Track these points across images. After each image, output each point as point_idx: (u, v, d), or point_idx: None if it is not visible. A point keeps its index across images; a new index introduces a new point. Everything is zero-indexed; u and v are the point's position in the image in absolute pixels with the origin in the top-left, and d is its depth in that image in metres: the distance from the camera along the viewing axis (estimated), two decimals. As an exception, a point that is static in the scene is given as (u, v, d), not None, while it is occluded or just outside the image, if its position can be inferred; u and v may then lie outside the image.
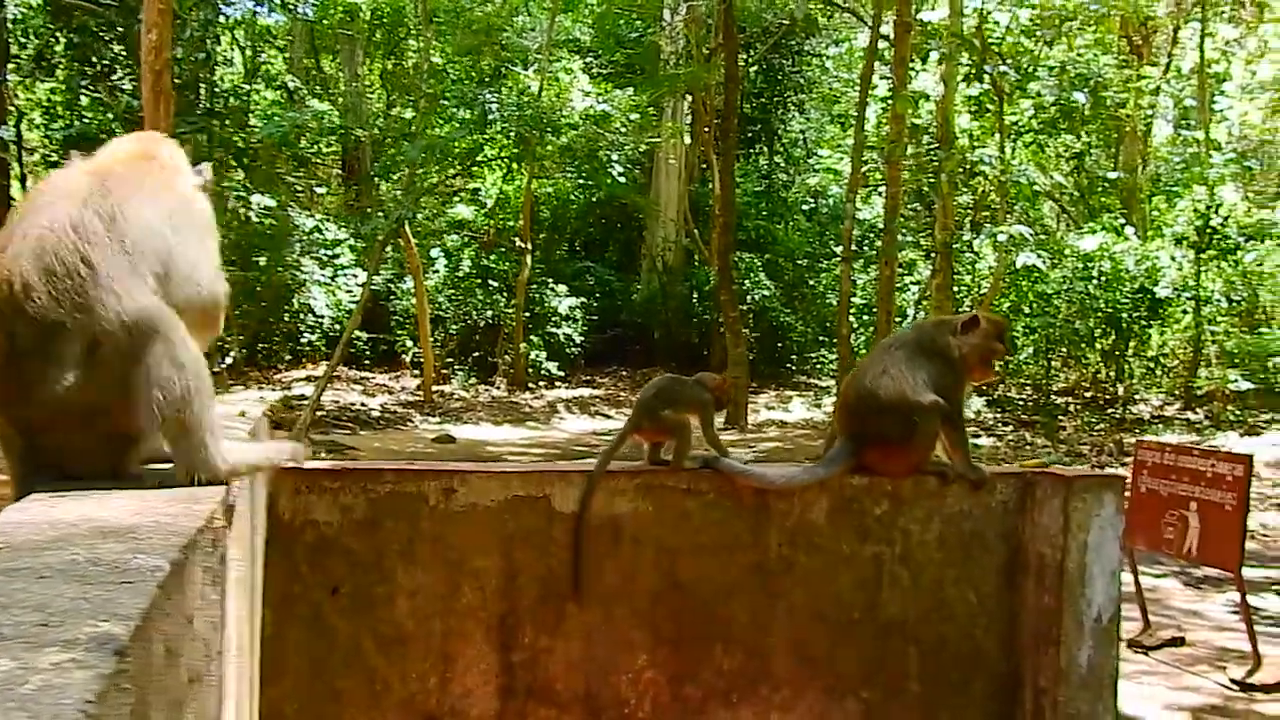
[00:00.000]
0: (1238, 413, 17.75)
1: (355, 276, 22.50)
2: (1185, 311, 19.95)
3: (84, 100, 18.47)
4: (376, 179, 21.77)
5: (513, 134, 19.27)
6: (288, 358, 22.90)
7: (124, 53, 16.66)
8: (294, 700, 3.42)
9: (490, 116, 18.15)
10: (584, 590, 3.62)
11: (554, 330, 23.85)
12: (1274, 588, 8.99)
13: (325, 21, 24.29)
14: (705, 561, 3.75)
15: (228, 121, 19.07)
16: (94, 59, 17.43)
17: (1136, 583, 7.51)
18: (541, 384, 23.11)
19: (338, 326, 21.11)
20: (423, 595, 3.53)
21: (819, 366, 25.78)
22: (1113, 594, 3.95)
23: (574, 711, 3.64)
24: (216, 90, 19.33)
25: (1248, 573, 8.68)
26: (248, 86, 21.78)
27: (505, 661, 3.60)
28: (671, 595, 3.73)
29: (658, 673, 3.71)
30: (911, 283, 22.45)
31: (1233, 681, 6.51)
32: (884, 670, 3.89)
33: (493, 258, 24.51)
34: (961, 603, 3.97)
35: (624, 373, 24.70)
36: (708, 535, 3.76)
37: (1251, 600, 7.72)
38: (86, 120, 18.52)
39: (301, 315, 23.02)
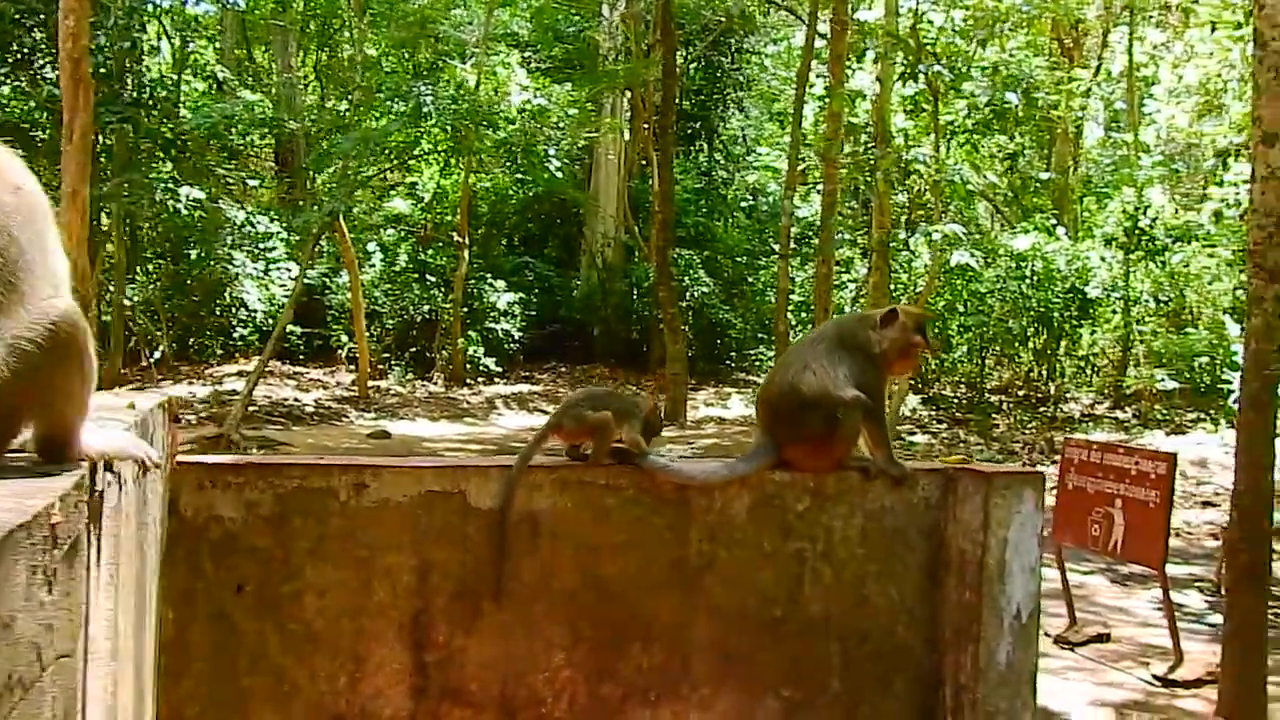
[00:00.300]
0: (1164, 412, 18.09)
1: (289, 270, 22.19)
2: (1115, 311, 20.31)
3: (5, 89, 17.98)
4: (310, 172, 21.46)
5: (449, 128, 19.07)
6: (220, 352, 22.55)
7: (45, 40, 16.21)
8: (196, 702, 3.31)
9: (425, 110, 17.93)
10: (500, 589, 3.54)
11: (492, 326, 23.70)
12: (1197, 585, 9.14)
13: (256, 12, 23.92)
14: (625, 558, 3.69)
15: (155, 112, 18.66)
16: (14, 46, 16.95)
17: (1063, 579, 7.58)
18: (480, 380, 22.94)
19: (271, 321, 20.79)
20: (332, 593, 3.43)
21: (758, 363, 25.86)
22: (1032, 590, 3.95)
23: (489, 712, 3.56)
24: (144, 80, 18.90)
25: (1172, 570, 8.81)
26: (176, 77, 21.37)
27: (418, 661, 3.51)
28: (590, 593, 3.66)
29: (575, 671, 3.64)
30: (849, 281, 22.62)
31: (1155, 677, 6.59)
32: (806, 668, 3.85)
33: (430, 252, 24.30)
34: (884, 599, 3.94)
35: (563, 369, 24.62)
36: (627, 532, 3.69)
37: (1175, 597, 7.83)
38: (7, 109, 18.05)
39: (234, 309, 22.68)
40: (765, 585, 3.83)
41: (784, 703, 3.83)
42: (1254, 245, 6.00)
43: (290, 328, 21.54)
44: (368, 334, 21.56)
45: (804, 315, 22.20)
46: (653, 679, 3.71)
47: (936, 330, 21.24)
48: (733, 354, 26.48)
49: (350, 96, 20.31)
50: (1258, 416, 5.90)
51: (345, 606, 3.45)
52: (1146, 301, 20.07)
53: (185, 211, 20.05)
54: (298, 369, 22.47)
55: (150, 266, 22.33)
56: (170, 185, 19.28)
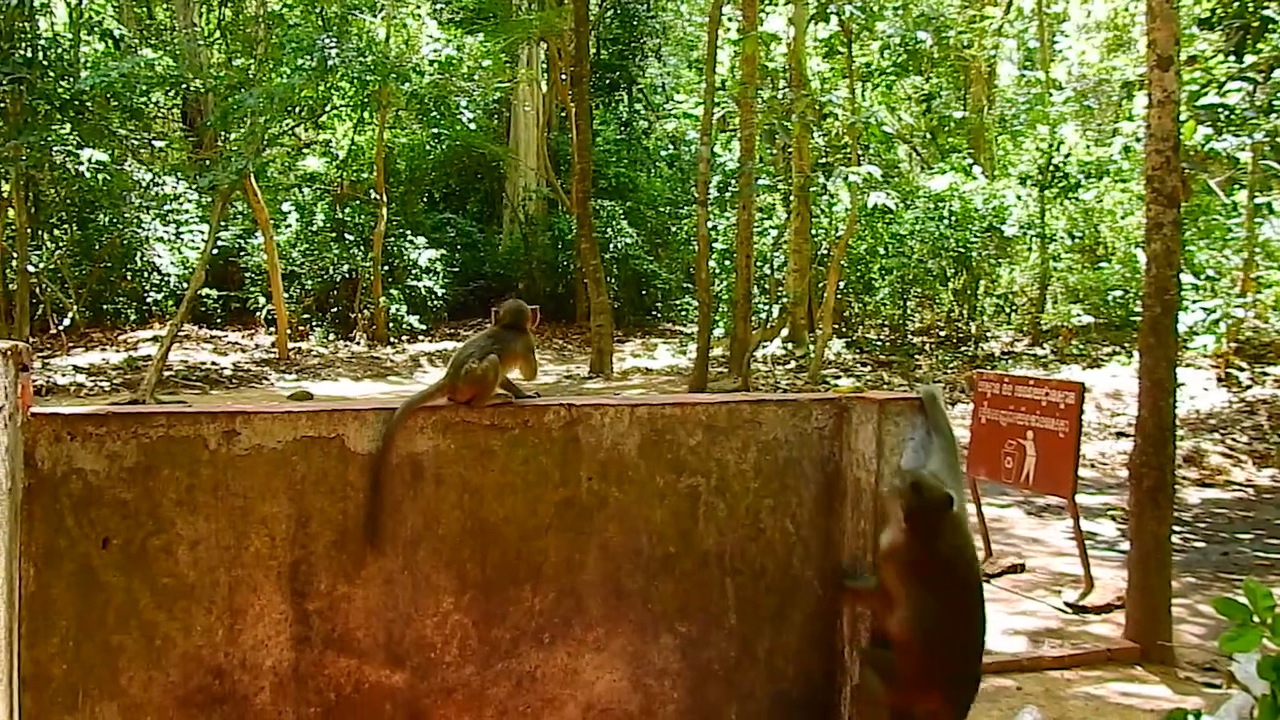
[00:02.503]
0: (1081, 347, 18.39)
1: (201, 232, 21.66)
2: (1031, 249, 20.56)
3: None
4: (218, 131, 20.90)
5: (358, 81, 18.66)
6: (133, 318, 22.02)
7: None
8: (62, 660, 3.19)
9: (331, 63, 17.49)
10: (381, 535, 3.46)
11: (414, 284, 23.41)
12: (1109, 513, 9.31)
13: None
14: (512, 500, 3.62)
15: (51, 72, 17.98)
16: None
17: (979, 513, 7.67)
18: (403, 338, 22.70)
19: (185, 284, 20.30)
20: (205, 545, 3.32)
21: (684, 313, 25.88)
22: (928, 516, 3.94)
23: (375, 659, 3.48)
24: (38, 39, 18.20)
25: (1085, 500, 8.98)
26: (73, 35, 20.63)
27: (300, 610, 3.42)
28: (477, 536, 3.59)
29: (464, 616, 3.57)
30: (770, 227, 22.61)
31: (1066, 604, 6.70)
32: (701, 603, 3.83)
33: (347, 211, 23.87)
34: (779, 532, 3.92)
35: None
36: (514, 473, 3.62)
37: (1088, 526, 7.97)
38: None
39: (145, 274, 22.15)
40: (658, 522, 3.78)
41: (680, 639, 3.80)
42: (1150, 171, 6.05)
43: (206, 291, 21.08)
44: (286, 295, 21.17)
45: (726, 264, 22.19)
46: (545, 621, 3.66)
47: (859, 274, 21.41)
48: (659, 305, 26.48)
49: (255, 52, 19.74)
50: (1159, 341, 5.96)
51: (220, 558, 3.34)
52: (1062, 238, 20.35)
53: (89, 174, 19.46)
54: (215, 333, 22.04)
55: (56, 232, 21.67)
56: (71, 148, 18.67)
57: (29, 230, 19.51)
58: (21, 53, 17.39)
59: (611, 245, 24.23)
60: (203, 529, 3.32)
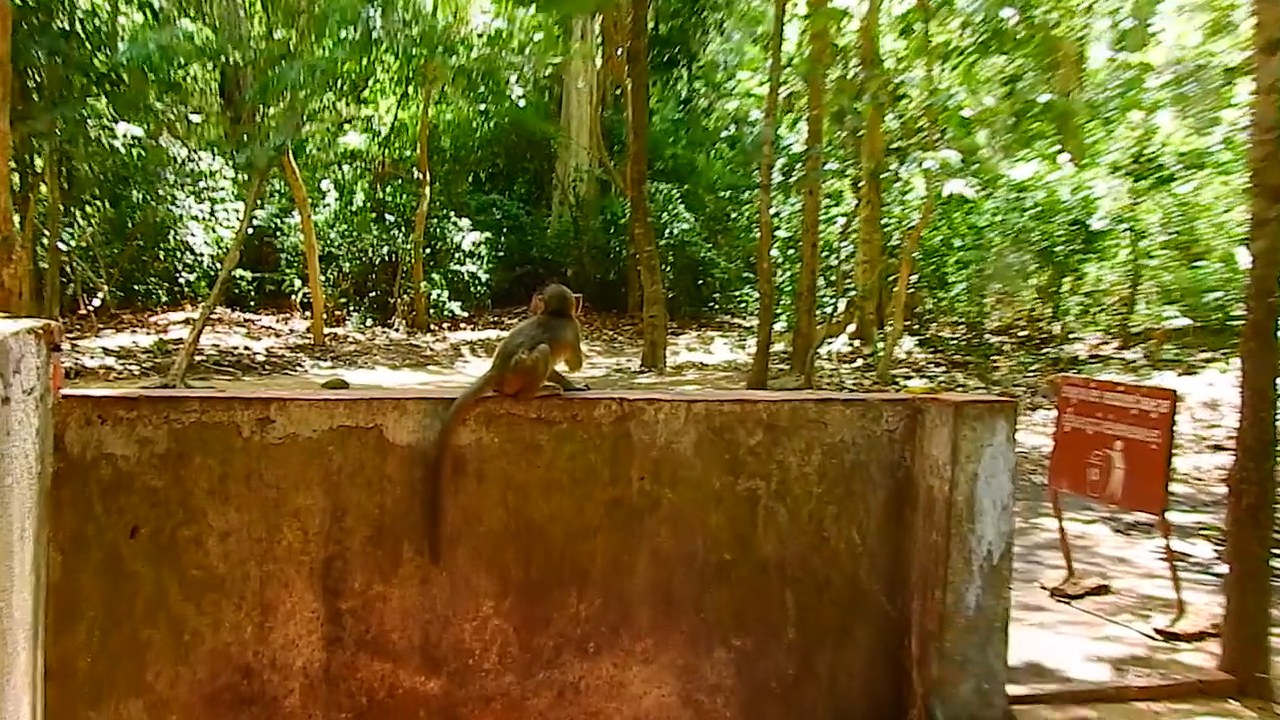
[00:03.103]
0: (1175, 351, 18.08)
1: (236, 211, 21.95)
2: (1121, 245, 20.23)
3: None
4: (257, 105, 21.15)
5: (403, 55, 18.79)
6: (165, 299, 22.36)
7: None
8: (88, 652, 3.25)
9: (375, 35, 17.63)
10: (439, 547, 3.49)
11: (457, 268, 23.55)
12: (1204, 533, 9.13)
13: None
14: (558, 499, 3.63)
15: (88, 44, 18.30)
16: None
17: (1061, 528, 7.55)
18: (444, 326, 22.84)
19: (218, 265, 20.58)
20: (236, 537, 3.37)
21: (743, 305, 25.78)
22: (1004, 530, 3.90)
23: (410, 663, 3.51)
24: (75, 11, 18.54)
25: (1179, 518, 8.82)
26: (110, 7, 20.98)
27: (332, 609, 3.45)
28: (521, 536, 3.60)
29: (505, 621, 3.59)
30: (838, 214, 22.46)
31: (1155, 631, 6.57)
32: (758, 616, 3.81)
33: (389, 190, 24.08)
34: (844, 541, 3.90)
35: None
36: (561, 470, 3.63)
37: (1180, 546, 7.81)
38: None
39: (179, 253, 22.47)
40: (714, 527, 3.77)
41: (734, 653, 3.79)
42: (1254, 163, 5.91)
43: (240, 272, 21.36)
44: (323, 278, 21.38)
45: (790, 253, 22.08)
46: (591, 629, 3.67)
47: (934, 267, 21.22)
48: (716, 295, 26.40)
49: (297, 24, 19.93)
50: (1261, 347, 5.81)
51: (251, 551, 3.39)
52: (1155, 234, 19.99)
53: (123, 149, 19.80)
54: (248, 316, 22.33)
55: (88, 209, 22.06)
56: (106, 122, 18.97)
57: (61, 207, 19.89)
58: (58, 24, 17.71)
59: (667, 231, 24.20)
60: (234, 520, 3.37)
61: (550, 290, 3.96)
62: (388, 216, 23.63)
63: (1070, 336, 20.29)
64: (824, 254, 20.38)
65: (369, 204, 23.83)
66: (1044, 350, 19.40)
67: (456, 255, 23.61)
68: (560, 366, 3.80)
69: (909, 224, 19.75)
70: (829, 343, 18.99)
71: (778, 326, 19.66)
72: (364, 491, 3.47)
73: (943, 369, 18.20)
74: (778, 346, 18.90)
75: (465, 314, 23.43)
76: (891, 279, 19.24)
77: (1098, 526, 9.35)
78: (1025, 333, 21.14)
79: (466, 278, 23.63)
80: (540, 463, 3.61)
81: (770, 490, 3.83)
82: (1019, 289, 21.57)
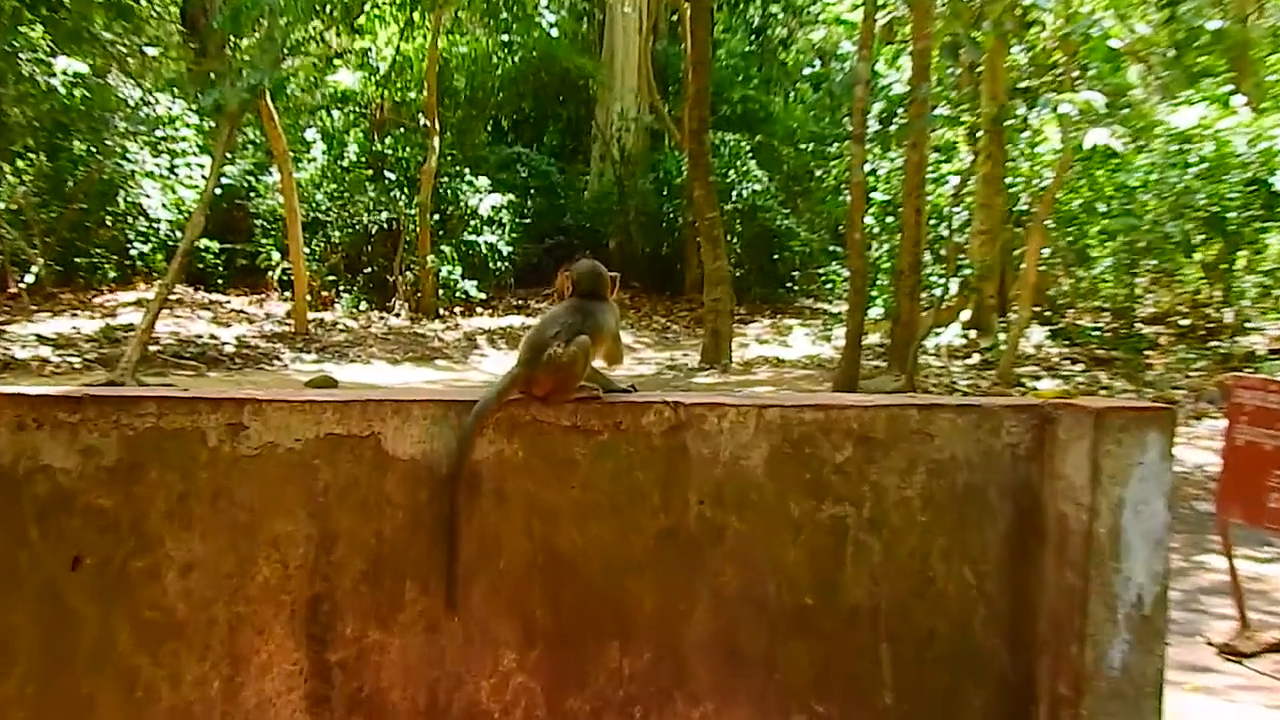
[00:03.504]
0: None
1: (202, 167, 22.18)
2: (1314, 210, 19.97)
3: None
4: (226, 35, 21.36)
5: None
6: (113, 275, 22.64)
7: None
8: (19, 708, 3.31)
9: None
10: (456, 590, 3.53)
11: (472, 239, 23.68)
12: None
13: None
14: (597, 527, 3.65)
15: (18, -42, 18.61)
16: None
17: (1231, 568, 7.49)
18: (456, 310, 22.99)
19: (179, 234, 20.83)
20: (201, 571, 3.42)
21: (829, 286, 25.74)
22: (1158, 570, 3.87)
23: (414, 729, 3.55)
24: (7, -76, 18.86)
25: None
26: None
27: (318, 661, 3.49)
28: (549, 573, 3.62)
29: (531, 678, 3.61)
30: (950, 173, 22.35)
31: (1354, 701, 6.53)
32: (846, 675, 3.82)
33: (389, 142, 24.22)
34: (953, 583, 3.89)
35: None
36: (600, 491, 3.65)
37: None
38: None
39: (130, 218, 22.71)
40: (790, 564, 3.78)
41: (816, 720, 3.80)
42: None
43: (205, 243, 21.62)
44: (307, 251, 21.59)
45: (889, 221, 22.00)
46: (637, 689, 3.69)
47: (1071, 239, 21.06)
48: (795, 274, 26.38)
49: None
50: None
51: (219, 589, 3.43)
52: (1357, 197, 19.74)
53: (63, 90, 20.02)
54: (215, 297, 22.59)
55: (20, 163, 22.39)
56: (42, 55, 19.23)
57: (-14, 160, 20.23)
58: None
59: (735, 193, 24.21)
60: (198, 550, 3.41)
61: (581, 267, 3.97)
62: (387, 174, 23.80)
63: (1245, 326, 20.08)
64: (931, 222, 20.27)
65: (364, 159, 24.00)
66: (1211, 344, 19.22)
67: (472, 223, 23.75)
68: (597, 362, 3.82)
69: (1040, 185, 19.59)
70: (937, 334, 18.93)
71: (872, 313, 19.61)
72: (358, 516, 3.50)
73: (1081, 367, 18.11)
74: (872, 338, 18.86)
75: (482, 296, 23.57)
76: (1017, 254, 19.10)
77: (1276, 567, 9.27)
78: (1187, 322, 20.95)
79: (484, 251, 23.75)
80: (575, 482, 3.63)
81: (861, 519, 3.83)
82: (1180, 266, 21.35)
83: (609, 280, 3.98)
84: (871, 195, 21.15)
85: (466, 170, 24.23)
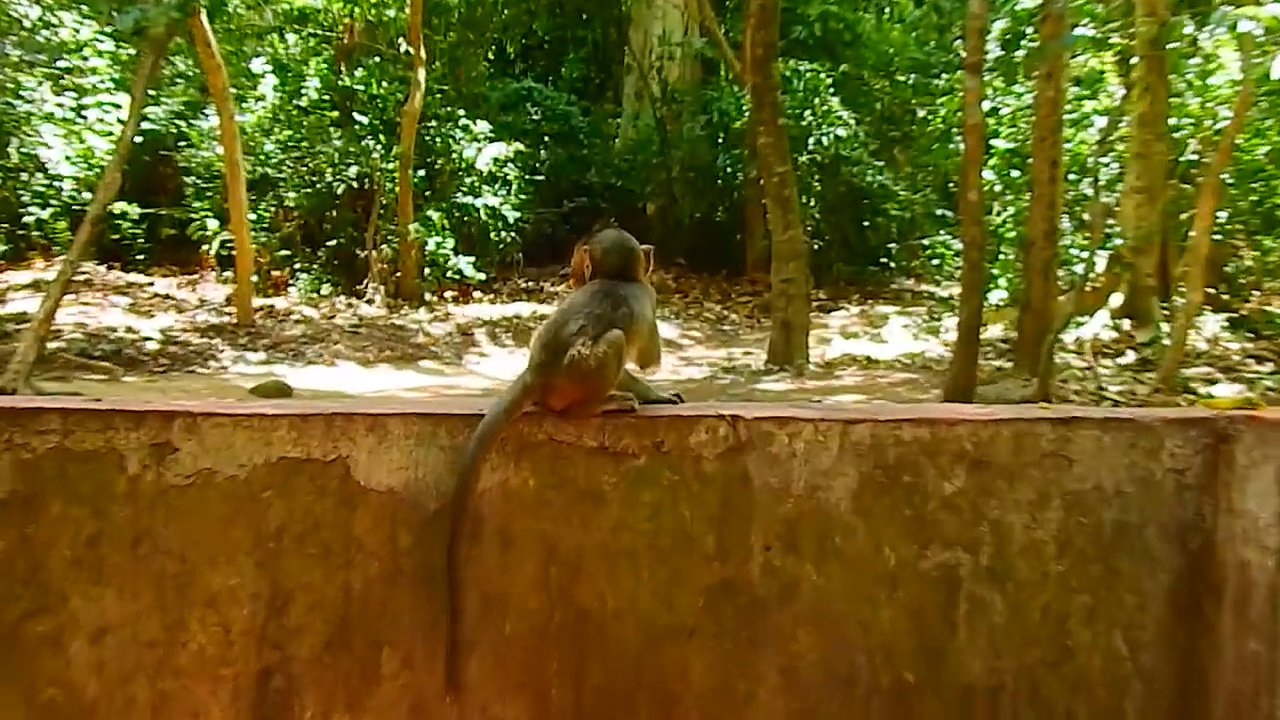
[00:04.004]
0: None
1: (118, 108, 22.29)
2: None
3: None
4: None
5: None
6: (2, 248, 22.77)
7: None
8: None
9: None
10: (460, 669, 3.55)
11: (468, 201, 23.69)
12: None
13: None
14: (630, 579, 3.67)
15: None
16: None
17: None
18: (447, 296, 23.04)
19: (88, 195, 20.95)
20: (118, 637, 3.45)
21: (936, 262, 25.71)
22: (1371, 636, 3.88)
23: (395, 844, 3.57)
24: None
25: None
26: None
27: (269, 755, 3.52)
28: (571, 638, 3.65)
29: (547, 774, 3.64)
30: (1095, 112, 22.28)
31: None
32: (959, 774, 3.83)
33: (360, 74, 24.28)
34: (1100, 653, 3.90)
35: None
36: (635, 532, 3.67)
37: None
38: None
39: (25, 175, 22.85)
40: (886, 628, 3.80)
41: (918, 831, 3.81)
42: None
43: (122, 207, 21.72)
44: (253, 217, 21.65)
45: (1016, 176, 21.94)
46: (683, 792, 3.71)
47: (1257, 201, 20.96)
48: (892, 246, 26.33)
49: None
50: None
51: (140, 660, 3.46)
52: None
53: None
54: (134, 278, 22.68)
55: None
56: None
57: None
58: None
59: (812, 141, 24.17)
60: (113, 610, 3.44)
61: (605, 239, 3.96)
62: (358, 117, 23.84)
63: None
64: (1070, 177, 20.21)
65: (328, 97, 24.03)
66: None
67: (468, 181, 23.77)
68: (629, 365, 3.81)
69: (1214, 127, 19.52)
70: (1079, 324, 18.86)
71: (993, 298, 19.56)
72: (319, 565, 3.53)
73: (1270, 368, 18.03)
74: (993, 331, 18.81)
75: (481, 277, 23.59)
76: (1184, 218, 19.04)
77: None
78: None
79: (484, 217, 23.77)
80: (602, 521, 3.66)
81: (978, 569, 3.84)
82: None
83: (642, 256, 3.97)
84: (992, 143, 21.08)
85: (461, 112, 24.26)
